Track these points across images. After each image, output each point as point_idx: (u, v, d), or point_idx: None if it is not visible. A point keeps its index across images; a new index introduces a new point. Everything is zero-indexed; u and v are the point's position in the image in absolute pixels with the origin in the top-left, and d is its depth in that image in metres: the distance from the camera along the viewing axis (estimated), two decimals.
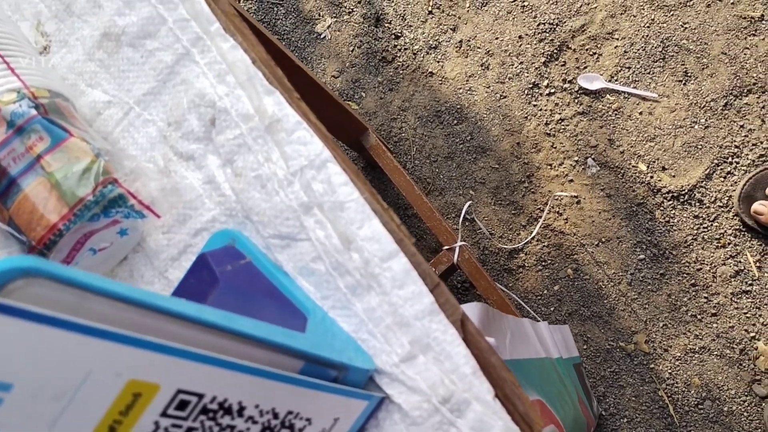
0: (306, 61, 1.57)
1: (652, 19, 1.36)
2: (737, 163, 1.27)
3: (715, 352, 1.24)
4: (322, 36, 1.57)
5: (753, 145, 1.27)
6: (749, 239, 1.25)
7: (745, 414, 1.21)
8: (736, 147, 1.27)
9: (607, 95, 1.36)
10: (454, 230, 1.33)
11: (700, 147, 1.30)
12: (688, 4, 1.35)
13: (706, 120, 1.30)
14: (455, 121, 1.43)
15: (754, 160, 1.26)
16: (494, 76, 1.43)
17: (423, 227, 1.42)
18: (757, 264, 1.24)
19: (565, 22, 1.41)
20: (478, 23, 1.46)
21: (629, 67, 1.36)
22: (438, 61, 1.47)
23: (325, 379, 0.41)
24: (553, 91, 1.39)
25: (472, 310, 0.69)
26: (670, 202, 1.29)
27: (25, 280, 0.26)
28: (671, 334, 1.26)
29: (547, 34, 1.41)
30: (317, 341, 0.41)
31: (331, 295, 0.46)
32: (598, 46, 1.38)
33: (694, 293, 1.26)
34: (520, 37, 1.43)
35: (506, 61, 1.43)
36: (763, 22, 1.30)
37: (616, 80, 1.36)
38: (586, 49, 1.39)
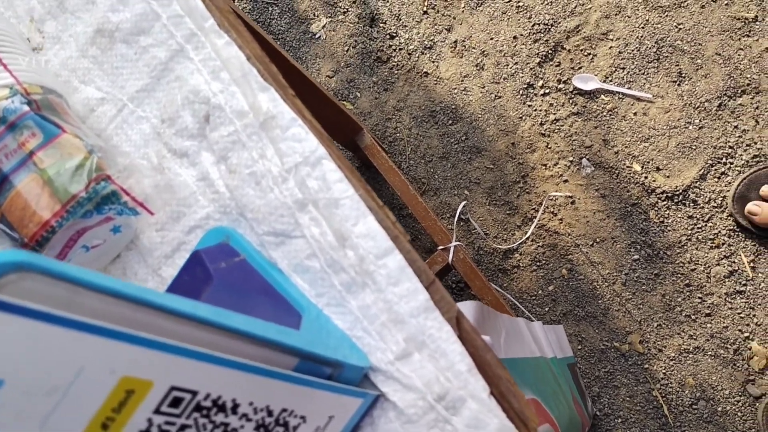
0: (301, 61, 1.57)
1: (647, 20, 1.36)
2: (731, 163, 1.27)
3: (710, 353, 1.24)
4: (317, 36, 1.57)
5: (747, 145, 1.27)
6: (743, 239, 1.25)
7: (739, 414, 1.21)
8: (730, 147, 1.28)
9: (602, 96, 1.36)
10: (449, 230, 1.33)
11: (694, 147, 1.30)
12: (682, 5, 1.35)
13: (700, 120, 1.30)
14: (450, 121, 1.43)
15: (747, 161, 1.26)
16: (489, 77, 1.43)
17: (418, 227, 1.42)
18: (751, 264, 1.24)
19: (559, 22, 1.41)
20: (473, 23, 1.46)
21: (624, 68, 1.36)
22: (433, 61, 1.47)
23: (320, 377, 0.41)
24: (547, 91, 1.39)
25: (467, 308, 0.69)
26: (665, 203, 1.30)
27: (17, 275, 0.26)
28: (665, 334, 1.26)
29: (542, 35, 1.41)
30: (312, 338, 0.41)
31: (325, 293, 0.46)
32: (593, 46, 1.39)
33: (688, 293, 1.26)
34: (515, 37, 1.43)
35: (501, 61, 1.43)
36: (757, 23, 1.30)
37: (610, 81, 1.36)
38: (581, 50, 1.39)
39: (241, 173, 0.49)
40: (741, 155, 1.27)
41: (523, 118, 1.40)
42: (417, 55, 1.49)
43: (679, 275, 1.27)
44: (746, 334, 1.23)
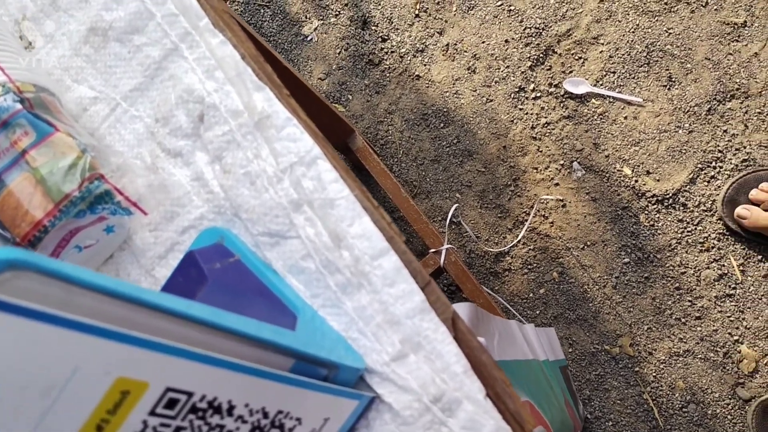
0: (293, 63, 1.56)
1: (637, 25, 1.37)
2: (721, 167, 1.28)
3: (699, 356, 1.24)
4: (308, 38, 1.57)
5: (736, 149, 1.28)
6: (732, 243, 1.26)
7: (729, 417, 1.22)
8: (720, 151, 1.29)
9: (593, 99, 1.37)
10: (441, 233, 1.33)
11: (684, 151, 1.31)
12: (672, 9, 1.36)
13: (690, 125, 1.31)
14: (442, 125, 1.44)
15: (737, 165, 1.27)
16: (481, 80, 1.43)
17: (409, 230, 1.42)
18: (741, 268, 1.25)
19: (551, 26, 1.41)
20: (464, 27, 1.47)
21: (614, 72, 1.37)
22: (425, 65, 1.48)
23: (316, 378, 0.40)
24: (539, 95, 1.40)
25: (461, 309, 0.69)
26: (655, 206, 1.30)
27: (11, 273, 0.25)
28: (656, 337, 1.27)
29: (533, 39, 1.42)
30: (307, 340, 0.41)
31: (321, 294, 0.46)
32: (584, 50, 1.39)
33: (678, 297, 1.27)
34: (506, 41, 1.44)
35: (492, 65, 1.43)
36: (746, 28, 1.31)
37: (601, 85, 1.37)
38: (572, 54, 1.40)
39: (235, 173, 0.49)
40: (730, 159, 1.28)
41: (515, 121, 1.40)
42: (409, 58, 1.49)
43: (669, 278, 1.28)
44: (736, 338, 1.23)
